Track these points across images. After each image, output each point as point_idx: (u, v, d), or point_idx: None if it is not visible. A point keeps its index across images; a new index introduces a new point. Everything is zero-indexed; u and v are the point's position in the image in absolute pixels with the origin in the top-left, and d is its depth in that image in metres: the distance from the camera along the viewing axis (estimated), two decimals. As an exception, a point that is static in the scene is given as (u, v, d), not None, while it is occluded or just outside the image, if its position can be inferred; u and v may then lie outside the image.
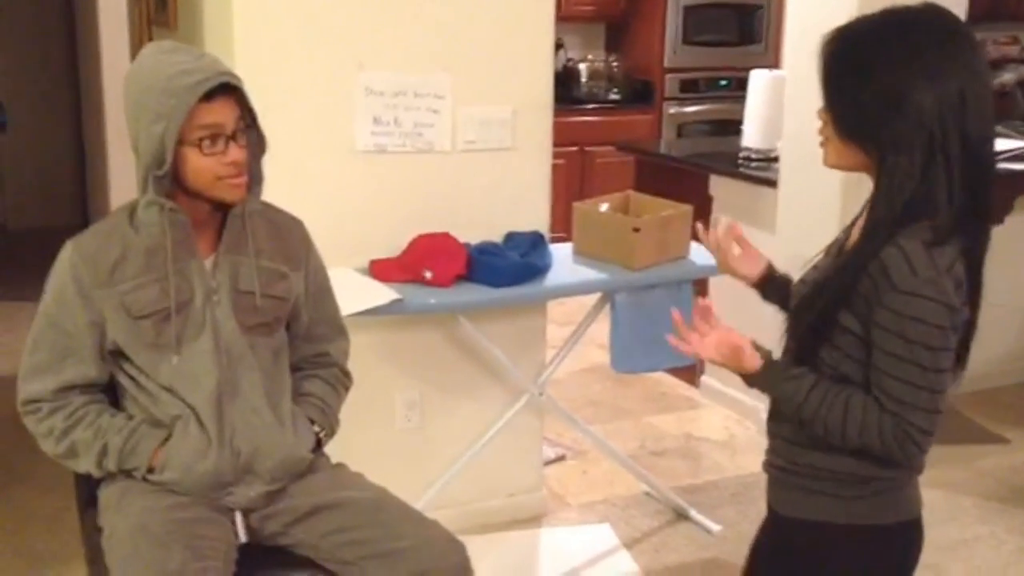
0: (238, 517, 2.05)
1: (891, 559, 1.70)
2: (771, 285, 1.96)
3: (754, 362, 1.68)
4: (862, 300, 1.56)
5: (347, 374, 2.31)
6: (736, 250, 1.99)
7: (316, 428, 2.16)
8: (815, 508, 1.68)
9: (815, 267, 1.75)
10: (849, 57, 1.60)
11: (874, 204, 1.59)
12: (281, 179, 2.15)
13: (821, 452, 1.65)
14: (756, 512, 3.42)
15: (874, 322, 1.55)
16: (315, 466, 2.15)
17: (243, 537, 2.05)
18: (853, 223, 1.72)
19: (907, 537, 1.70)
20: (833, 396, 1.60)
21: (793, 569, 1.72)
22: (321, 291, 2.22)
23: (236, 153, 1.94)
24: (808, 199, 3.67)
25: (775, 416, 1.75)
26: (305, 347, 2.22)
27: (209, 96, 1.88)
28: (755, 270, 1.96)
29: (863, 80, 1.57)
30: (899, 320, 1.52)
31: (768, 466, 1.78)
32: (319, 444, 2.17)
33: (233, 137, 1.93)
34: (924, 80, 1.53)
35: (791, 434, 1.70)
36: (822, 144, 1.67)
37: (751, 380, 1.70)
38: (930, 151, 1.53)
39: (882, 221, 1.56)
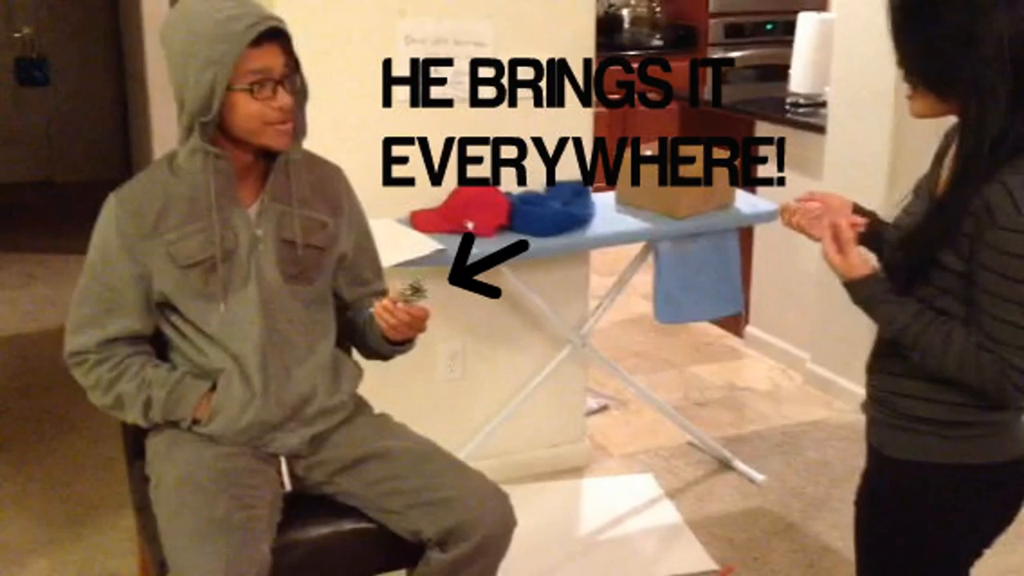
0: (283, 466, 2.07)
1: (1001, 498, 1.68)
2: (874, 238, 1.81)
3: (863, 268, 1.65)
4: (965, 239, 1.54)
5: None
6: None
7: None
8: (920, 449, 1.66)
9: (906, 211, 1.71)
10: (911, 2, 1.55)
11: (961, 144, 1.56)
12: (321, 128, 2.14)
13: (922, 401, 1.64)
14: (801, 462, 3.44)
15: (976, 261, 1.53)
16: (359, 416, 2.16)
17: (288, 486, 2.07)
18: (939, 159, 1.68)
19: (1017, 475, 1.68)
20: (936, 326, 1.58)
21: (901, 510, 1.69)
22: (365, 235, 2.22)
23: (284, 98, 1.93)
24: (857, 145, 3.60)
25: (880, 355, 1.73)
26: (358, 289, 2.22)
27: (257, 41, 1.88)
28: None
29: (930, 24, 1.52)
30: (1000, 258, 1.50)
31: (868, 407, 1.75)
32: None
33: (281, 82, 1.93)
34: (994, 10, 1.47)
35: (892, 382, 1.68)
36: (909, 96, 1.62)
37: (855, 288, 1.66)
38: (1015, 85, 1.49)
39: (972, 161, 1.53)
